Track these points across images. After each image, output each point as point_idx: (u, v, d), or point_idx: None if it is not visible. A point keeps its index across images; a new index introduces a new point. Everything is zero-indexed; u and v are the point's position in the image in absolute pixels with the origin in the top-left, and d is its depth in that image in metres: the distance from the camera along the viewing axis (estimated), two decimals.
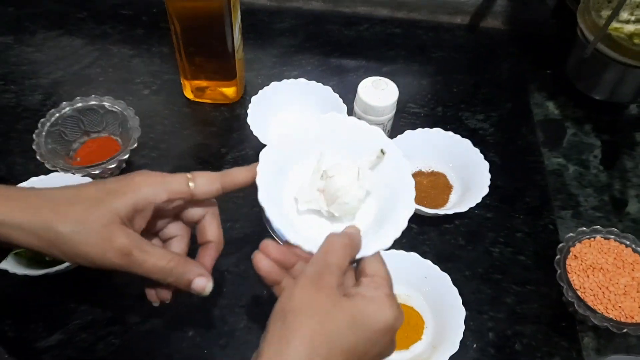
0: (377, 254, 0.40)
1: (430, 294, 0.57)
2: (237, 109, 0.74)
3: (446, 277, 0.56)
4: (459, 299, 0.55)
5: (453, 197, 0.66)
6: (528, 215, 0.66)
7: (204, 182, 0.42)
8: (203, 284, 0.41)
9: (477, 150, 0.66)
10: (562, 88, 0.80)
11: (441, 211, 0.61)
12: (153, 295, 0.44)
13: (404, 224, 0.41)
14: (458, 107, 0.77)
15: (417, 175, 0.67)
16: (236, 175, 0.43)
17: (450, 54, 0.84)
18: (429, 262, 0.57)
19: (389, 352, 0.38)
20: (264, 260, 0.38)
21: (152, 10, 0.86)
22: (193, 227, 0.45)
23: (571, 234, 0.60)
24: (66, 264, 0.54)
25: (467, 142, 0.66)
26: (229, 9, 0.63)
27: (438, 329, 0.55)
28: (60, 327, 0.55)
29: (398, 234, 0.41)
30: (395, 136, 0.67)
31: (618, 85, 0.73)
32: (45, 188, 0.40)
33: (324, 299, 0.35)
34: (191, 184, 0.41)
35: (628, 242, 0.59)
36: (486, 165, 0.64)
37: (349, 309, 0.35)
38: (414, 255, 0.58)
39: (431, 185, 0.66)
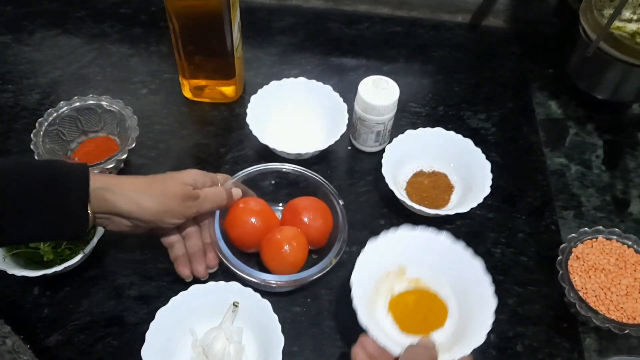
0: None
1: (458, 280, 0.54)
2: (236, 109, 0.74)
3: (478, 264, 0.53)
4: (491, 289, 0.52)
5: (454, 197, 0.65)
6: (530, 216, 0.66)
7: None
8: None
9: (478, 150, 0.65)
10: (564, 87, 0.79)
11: (442, 211, 0.61)
12: (186, 272, 0.55)
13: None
14: (459, 106, 0.76)
15: (418, 175, 0.67)
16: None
17: (451, 52, 0.83)
18: (460, 246, 0.54)
19: None
20: (360, 354, 0.44)
21: (150, 9, 0.85)
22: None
23: (573, 234, 0.59)
24: (64, 265, 0.54)
25: (468, 142, 0.66)
26: (228, 8, 0.62)
27: (463, 318, 0.53)
28: (58, 328, 0.55)
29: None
30: (396, 135, 0.66)
31: (620, 85, 0.72)
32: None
33: None
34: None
35: (630, 243, 0.59)
36: (488, 165, 0.64)
37: None
38: (444, 237, 0.55)
39: (432, 185, 0.65)
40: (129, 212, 0.49)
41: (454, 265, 0.55)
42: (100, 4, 0.86)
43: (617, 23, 0.73)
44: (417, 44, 0.84)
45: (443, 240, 0.56)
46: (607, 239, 0.59)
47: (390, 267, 0.56)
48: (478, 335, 0.49)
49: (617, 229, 0.60)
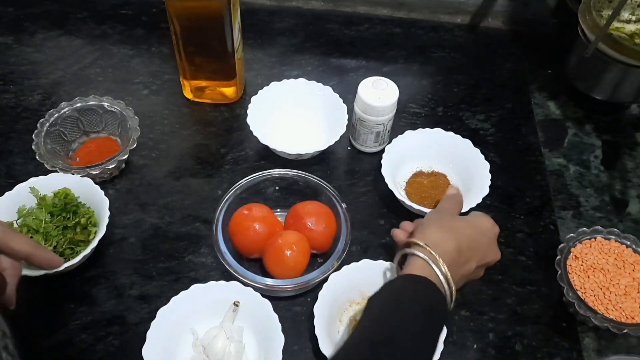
0: None
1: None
2: (236, 109, 0.74)
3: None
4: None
5: None
6: (529, 216, 0.66)
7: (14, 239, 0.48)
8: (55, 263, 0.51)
9: (477, 151, 0.65)
10: (562, 88, 0.79)
11: None
12: None
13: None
14: (458, 107, 0.77)
15: (417, 175, 0.67)
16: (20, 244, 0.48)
17: (450, 53, 0.84)
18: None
19: (493, 251, 0.53)
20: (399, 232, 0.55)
21: (151, 10, 0.86)
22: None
23: (572, 234, 0.59)
24: (65, 265, 0.54)
25: (467, 142, 0.66)
26: (229, 9, 0.62)
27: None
28: (59, 327, 0.55)
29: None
30: (396, 136, 0.66)
31: (619, 85, 0.73)
32: None
33: (445, 214, 0.54)
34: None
35: (629, 243, 0.59)
36: (486, 165, 0.64)
37: (463, 218, 0.54)
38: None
39: (432, 185, 0.66)
40: None
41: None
42: (102, 5, 0.86)
43: (615, 24, 0.73)
44: (417, 45, 0.85)
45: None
46: (606, 238, 0.60)
47: (353, 297, 0.57)
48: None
49: (615, 229, 0.60)
